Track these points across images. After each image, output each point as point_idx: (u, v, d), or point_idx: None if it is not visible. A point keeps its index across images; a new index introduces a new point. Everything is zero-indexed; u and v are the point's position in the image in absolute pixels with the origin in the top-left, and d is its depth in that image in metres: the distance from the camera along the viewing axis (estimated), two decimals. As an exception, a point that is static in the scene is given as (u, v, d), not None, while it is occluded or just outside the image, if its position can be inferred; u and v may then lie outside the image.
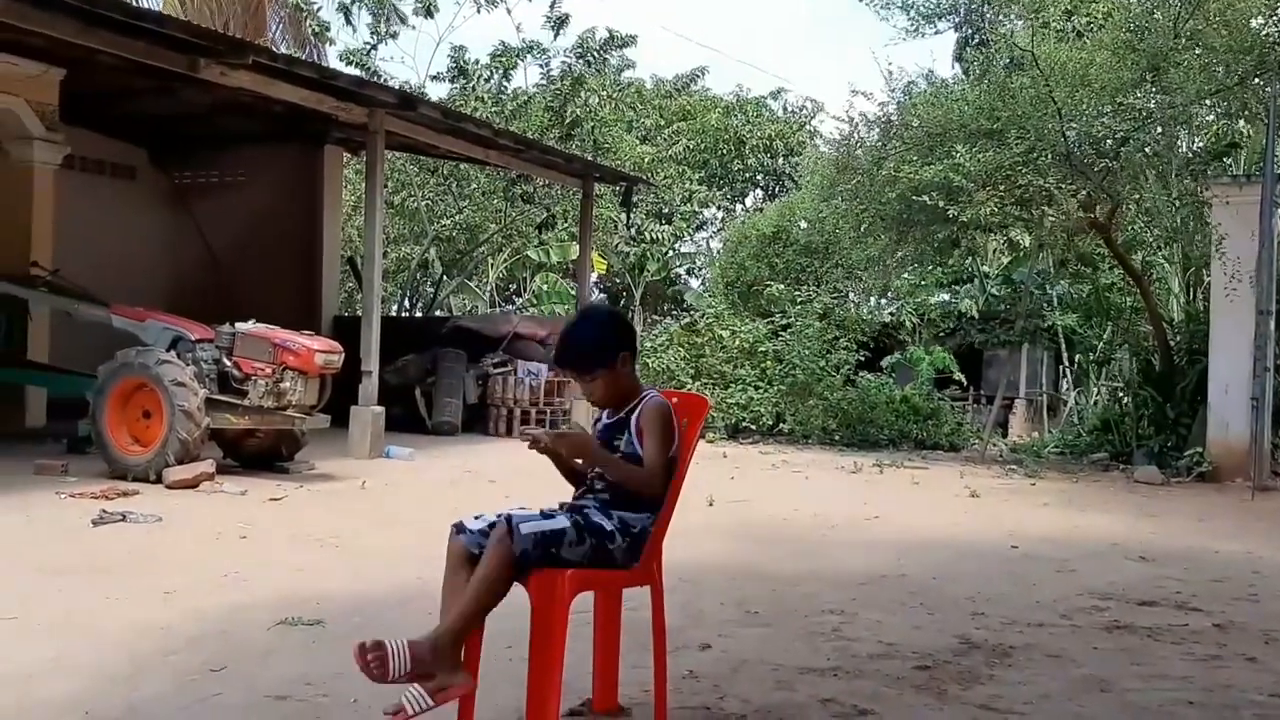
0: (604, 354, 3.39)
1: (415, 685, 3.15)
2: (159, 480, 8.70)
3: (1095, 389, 18.52)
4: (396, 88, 16.05)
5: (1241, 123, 14.10)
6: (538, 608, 3.06)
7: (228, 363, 9.40)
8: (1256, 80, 11.65)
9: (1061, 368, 20.64)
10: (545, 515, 3.18)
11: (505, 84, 22.84)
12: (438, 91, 23.15)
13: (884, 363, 20.43)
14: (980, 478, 11.95)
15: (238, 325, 9.58)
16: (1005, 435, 19.01)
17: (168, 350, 9.35)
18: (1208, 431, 12.43)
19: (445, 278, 23.38)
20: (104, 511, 7.12)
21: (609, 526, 3.24)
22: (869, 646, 4.58)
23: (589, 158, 18.15)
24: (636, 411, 3.37)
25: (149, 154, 16.40)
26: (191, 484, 8.60)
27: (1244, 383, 11.99)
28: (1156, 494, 11.06)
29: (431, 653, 3.07)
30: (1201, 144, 14.41)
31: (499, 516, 3.19)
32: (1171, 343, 14.15)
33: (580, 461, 3.42)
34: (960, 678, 4.14)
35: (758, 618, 5.08)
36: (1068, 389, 20.04)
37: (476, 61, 22.54)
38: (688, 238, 29.15)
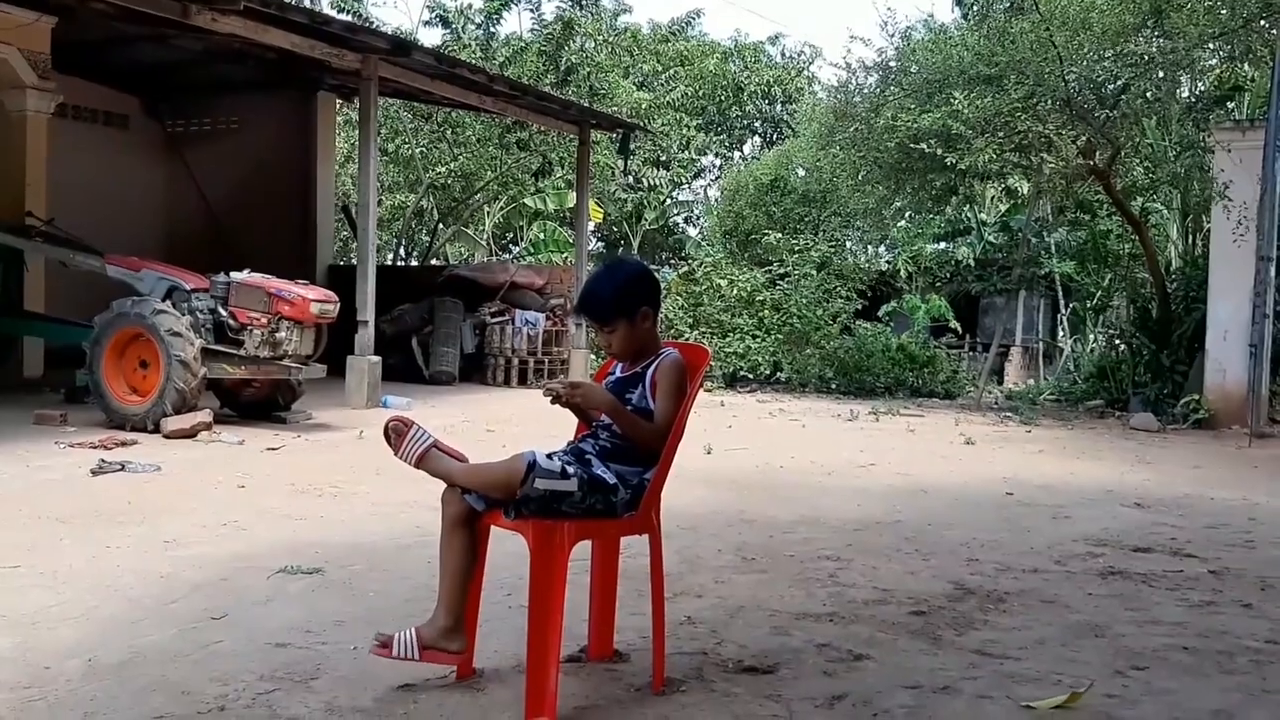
0: (624, 306, 3.36)
1: (413, 632, 3.21)
2: (157, 430, 8.73)
3: (1092, 336, 18.54)
4: (389, 33, 15.88)
5: (1246, 66, 13.96)
6: (537, 557, 3.07)
7: (223, 312, 9.39)
8: (1262, 22, 11.53)
9: (1058, 315, 20.66)
10: (562, 473, 3.17)
11: (493, 30, 22.62)
12: (430, 38, 22.93)
13: (881, 311, 20.45)
14: (975, 425, 11.98)
15: (233, 275, 9.55)
16: (1001, 383, 19.07)
17: (163, 300, 9.33)
18: (1205, 378, 12.46)
19: (441, 226, 23.28)
20: (103, 461, 7.14)
21: (611, 480, 3.24)
22: (864, 592, 4.61)
23: (585, 104, 18.00)
24: (653, 367, 3.35)
25: (142, 102, 16.27)
26: (189, 433, 8.62)
27: (1242, 329, 12.00)
28: (1152, 441, 11.10)
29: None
30: (1204, 88, 14.29)
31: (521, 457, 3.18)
32: (1169, 289, 14.14)
33: (594, 411, 3.41)
34: (955, 623, 4.17)
35: (754, 564, 5.11)
36: (1064, 336, 20.07)
37: (469, 5, 22.30)
38: (685, 185, 29.01)
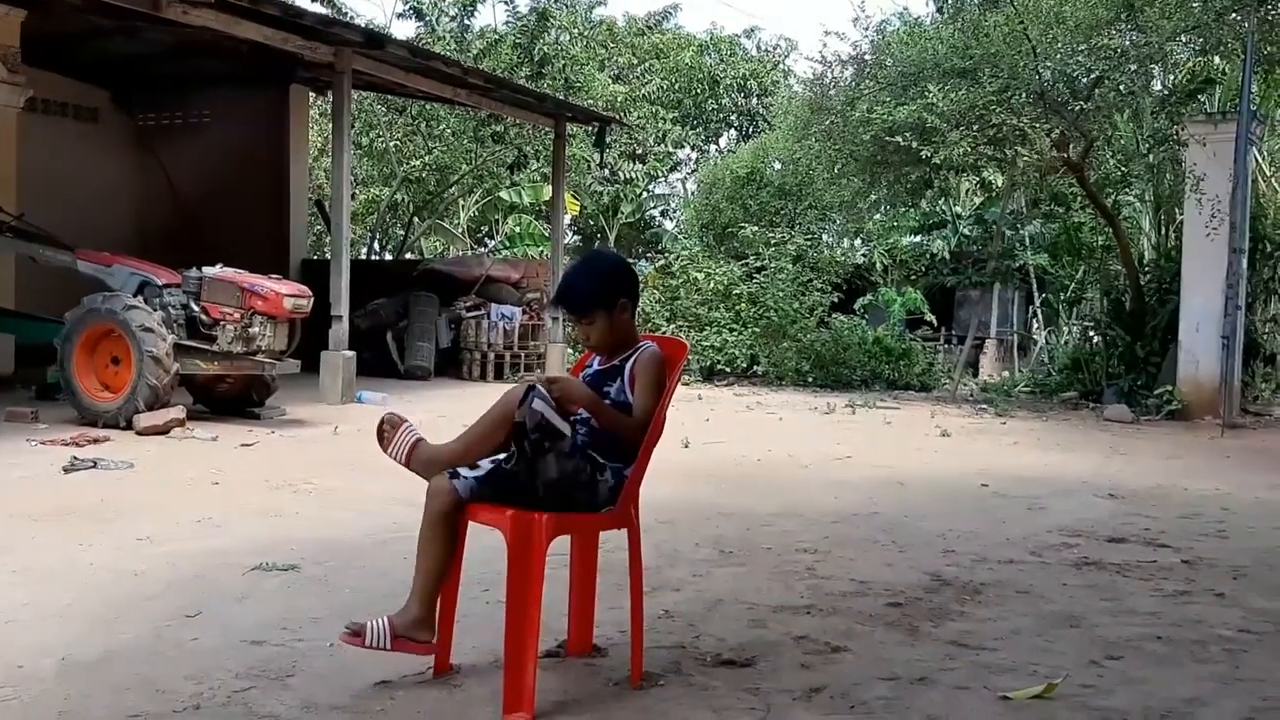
0: (604, 298, 3.36)
1: (384, 621, 3.20)
2: (129, 427, 8.66)
3: (1066, 328, 18.63)
4: (363, 26, 15.78)
5: (1217, 59, 14.06)
6: (515, 552, 3.06)
7: (196, 308, 9.32)
8: (1234, 15, 11.61)
9: (1032, 307, 20.76)
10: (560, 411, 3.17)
11: (467, 23, 22.54)
12: (404, 30, 22.83)
13: (857, 304, 20.51)
14: (951, 417, 12.04)
15: (205, 269, 9.49)
16: (976, 375, 19.15)
17: (135, 295, 9.25)
18: (1178, 370, 12.55)
19: (416, 220, 23.18)
20: (75, 458, 7.08)
21: (599, 462, 3.25)
22: (841, 584, 4.63)
23: (560, 97, 17.95)
24: (631, 360, 3.35)
25: (112, 95, 16.11)
26: (162, 430, 8.56)
27: (1215, 321, 12.09)
28: (1126, 432, 11.18)
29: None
30: (1176, 81, 14.37)
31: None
32: (1142, 281, 14.24)
33: (572, 405, 3.40)
34: (932, 614, 4.19)
35: (732, 557, 5.12)
36: (1038, 328, 20.17)
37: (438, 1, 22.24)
38: (662, 179, 28.99)
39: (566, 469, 3.18)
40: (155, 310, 9.07)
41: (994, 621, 4.14)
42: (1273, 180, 14.36)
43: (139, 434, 8.51)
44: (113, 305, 9.03)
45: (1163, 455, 9.42)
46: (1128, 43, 12.51)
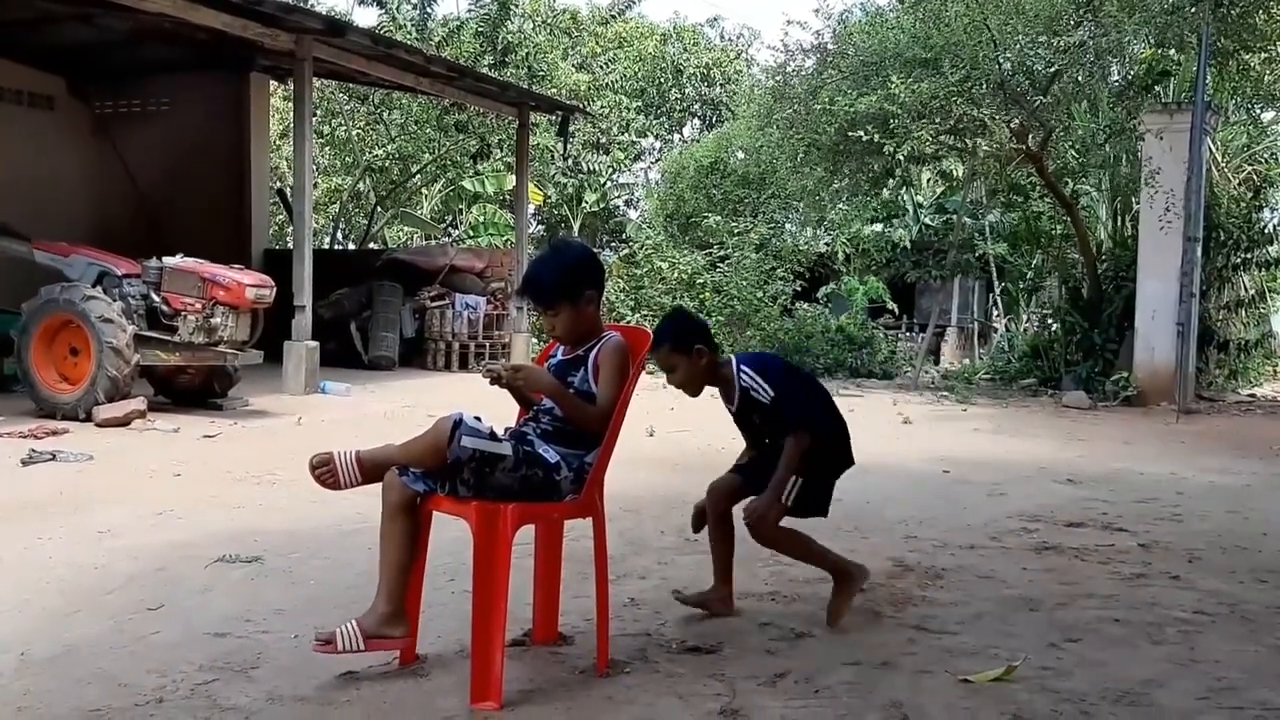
0: (570, 289, 3.35)
1: (353, 624, 3.19)
2: (89, 418, 8.57)
3: (1025, 316, 18.84)
4: (324, 13, 15.64)
5: (1173, 51, 14.23)
6: (480, 541, 3.07)
7: (156, 298, 9.22)
8: (1192, 10, 11.75)
9: (992, 295, 20.96)
10: (493, 436, 3.17)
11: (429, 10, 22.41)
12: (366, 18, 22.66)
13: (820, 293, 20.61)
14: (913, 404, 12.13)
15: (165, 260, 9.38)
16: (937, 363, 19.33)
17: (94, 286, 9.14)
18: (1134, 356, 12.73)
19: (379, 209, 23.07)
20: (33, 451, 7.00)
21: (552, 459, 3.25)
22: (804, 571, 4.64)
23: (524, 85, 17.88)
24: (596, 350, 3.35)
25: (68, 83, 15.86)
26: (122, 422, 8.47)
27: (1170, 308, 12.27)
28: (1084, 418, 11.32)
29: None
30: (1133, 73, 14.53)
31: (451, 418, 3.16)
32: (1100, 270, 14.40)
33: (535, 394, 3.40)
34: (894, 599, 4.23)
35: (697, 545, 5.11)
36: (998, 316, 20.37)
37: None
38: (626, 168, 28.98)
39: (516, 477, 3.19)
40: (115, 301, 8.97)
41: (955, 606, 4.19)
42: (1225, 169, 14.56)
43: (99, 426, 8.41)
44: (71, 296, 8.92)
45: (1119, 441, 9.54)
46: (1085, 35, 12.63)
